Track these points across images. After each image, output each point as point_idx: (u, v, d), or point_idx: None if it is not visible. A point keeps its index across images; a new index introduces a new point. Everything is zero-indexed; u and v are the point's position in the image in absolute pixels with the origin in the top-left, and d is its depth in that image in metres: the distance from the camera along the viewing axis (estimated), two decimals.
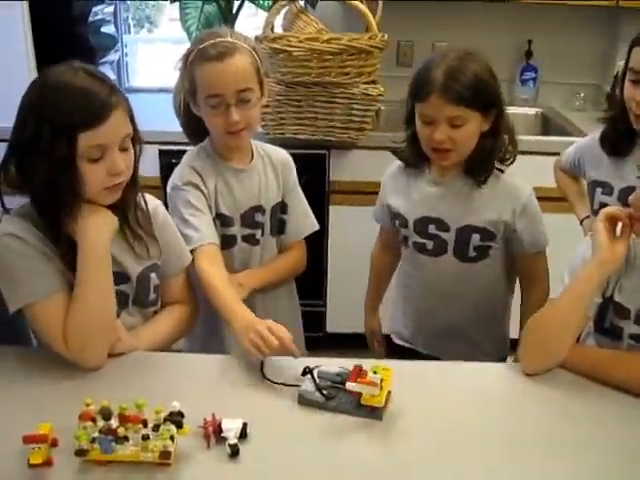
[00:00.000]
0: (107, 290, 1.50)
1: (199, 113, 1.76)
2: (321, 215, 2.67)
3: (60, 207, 1.44)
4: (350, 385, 1.34)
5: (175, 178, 1.83)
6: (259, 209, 1.86)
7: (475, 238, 1.80)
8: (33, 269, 1.45)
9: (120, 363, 1.51)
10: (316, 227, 2.00)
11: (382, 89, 2.67)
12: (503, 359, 1.95)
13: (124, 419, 1.22)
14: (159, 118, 2.86)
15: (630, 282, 1.52)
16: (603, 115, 3.11)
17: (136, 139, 1.51)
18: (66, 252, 1.48)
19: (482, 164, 1.76)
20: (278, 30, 2.78)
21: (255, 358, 1.47)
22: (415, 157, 1.83)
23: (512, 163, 1.80)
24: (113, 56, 3.35)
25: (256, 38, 2.48)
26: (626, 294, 1.53)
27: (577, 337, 1.55)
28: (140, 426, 1.21)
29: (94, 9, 3.12)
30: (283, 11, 2.80)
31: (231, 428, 1.26)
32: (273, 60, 2.58)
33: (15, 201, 1.53)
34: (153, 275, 1.63)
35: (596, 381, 1.48)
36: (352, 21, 2.96)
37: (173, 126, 2.89)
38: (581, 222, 2.22)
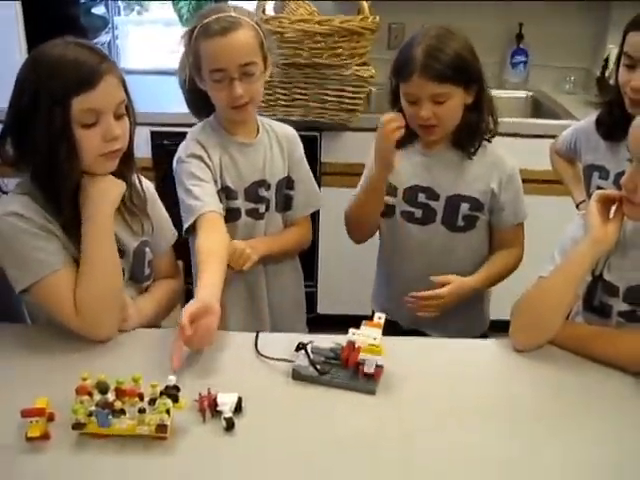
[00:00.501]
0: (115, 260, 1.53)
1: (204, 88, 1.78)
2: None
3: (59, 177, 1.45)
4: (351, 332, 1.37)
5: (180, 151, 1.85)
6: (263, 184, 1.87)
7: (464, 207, 1.84)
8: (39, 246, 1.46)
9: (116, 339, 1.52)
10: (322, 203, 2.02)
11: (374, 71, 2.68)
12: (483, 336, 1.98)
13: (120, 393, 1.23)
14: (151, 100, 2.88)
15: (619, 260, 1.55)
16: (593, 99, 3.18)
17: (130, 109, 1.53)
18: (69, 226, 1.49)
19: (469, 137, 1.81)
20: (270, 12, 2.77)
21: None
22: (403, 134, 1.84)
23: (494, 136, 1.85)
24: (104, 37, 3.34)
25: None
26: (615, 272, 1.55)
27: (567, 314, 1.57)
28: (136, 400, 1.23)
29: None
30: None
31: (226, 402, 1.27)
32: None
33: (9, 185, 1.54)
34: (147, 250, 1.66)
35: (585, 357, 1.51)
36: (343, 4, 2.97)
37: (165, 107, 2.94)
38: (577, 206, 2.24)
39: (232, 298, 1.90)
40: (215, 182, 1.81)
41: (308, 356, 1.41)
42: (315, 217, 2.77)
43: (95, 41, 3.19)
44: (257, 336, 1.52)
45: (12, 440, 1.22)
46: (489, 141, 1.85)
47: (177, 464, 1.19)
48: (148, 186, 1.70)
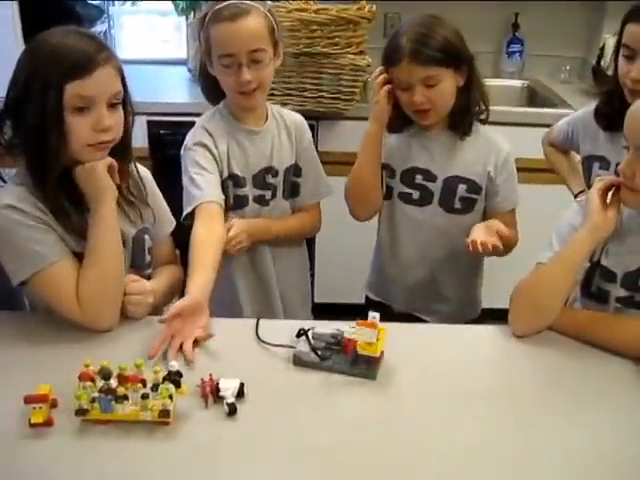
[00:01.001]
0: (120, 251, 1.54)
1: (214, 73, 1.79)
2: None
3: (48, 161, 1.45)
4: (348, 330, 1.38)
5: (188, 139, 1.86)
6: (270, 170, 1.88)
7: (461, 189, 1.86)
8: (36, 238, 1.46)
9: (118, 326, 1.52)
10: (331, 192, 2.02)
11: (370, 60, 2.68)
12: (475, 322, 2.00)
13: (123, 379, 1.24)
14: (147, 89, 2.88)
15: (616, 246, 1.56)
16: (589, 88, 3.19)
17: (127, 102, 1.53)
18: (60, 215, 1.49)
19: (463, 117, 1.84)
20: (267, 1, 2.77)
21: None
22: (399, 120, 1.89)
23: (487, 117, 1.87)
24: (100, 27, 3.32)
25: None
26: (613, 258, 1.56)
27: (566, 300, 1.58)
28: (139, 386, 1.23)
29: None
30: None
31: (228, 387, 1.28)
32: None
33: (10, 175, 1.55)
34: (147, 237, 1.67)
35: (584, 343, 1.52)
36: None
37: (161, 97, 2.94)
38: (575, 197, 2.24)
39: (241, 284, 1.93)
40: (221, 171, 1.82)
41: (309, 342, 1.42)
42: None
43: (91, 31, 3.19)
44: (258, 323, 1.53)
45: (15, 426, 1.22)
46: (483, 122, 1.88)
47: (180, 449, 1.20)
48: (146, 176, 1.71)
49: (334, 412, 1.30)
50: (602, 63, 3.08)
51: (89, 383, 1.23)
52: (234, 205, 1.86)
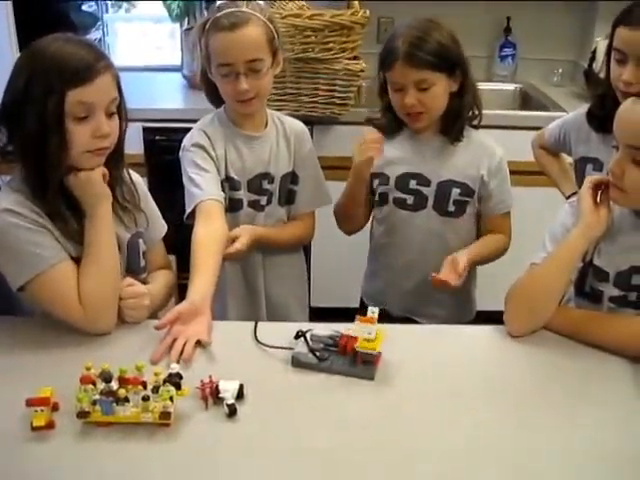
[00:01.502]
0: (117, 255, 1.55)
1: (214, 80, 1.82)
2: None
3: (48, 169, 1.46)
4: (347, 327, 1.40)
5: (186, 141, 1.88)
6: (267, 176, 1.90)
7: (455, 192, 1.89)
8: (35, 241, 1.47)
9: (117, 329, 1.53)
10: (330, 201, 2.03)
11: (364, 65, 2.70)
12: (470, 323, 2.02)
13: (124, 381, 1.26)
14: (142, 96, 2.89)
15: (608, 246, 1.58)
16: (581, 91, 3.21)
17: (122, 108, 1.54)
18: (58, 220, 1.50)
19: (454, 122, 1.86)
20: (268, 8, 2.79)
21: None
22: (391, 124, 1.91)
23: (479, 122, 1.90)
24: (94, 35, 3.34)
25: None
26: (605, 258, 1.58)
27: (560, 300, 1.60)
28: (140, 388, 1.25)
29: None
30: None
31: (228, 389, 1.29)
32: None
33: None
34: (140, 241, 1.68)
35: (579, 341, 1.54)
36: None
37: (157, 103, 2.95)
38: (567, 199, 2.25)
39: (230, 289, 1.94)
40: (218, 172, 1.84)
41: (307, 343, 1.43)
42: None
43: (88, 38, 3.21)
44: (256, 325, 1.54)
45: (18, 429, 1.23)
46: (475, 127, 1.90)
47: (181, 450, 1.21)
48: (139, 181, 1.72)
49: (333, 412, 1.31)
50: (594, 66, 3.10)
51: (90, 386, 1.24)
52: (229, 208, 1.88)
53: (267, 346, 1.48)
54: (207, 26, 1.76)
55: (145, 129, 2.83)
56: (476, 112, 1.89)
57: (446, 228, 1.92)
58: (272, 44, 1.78)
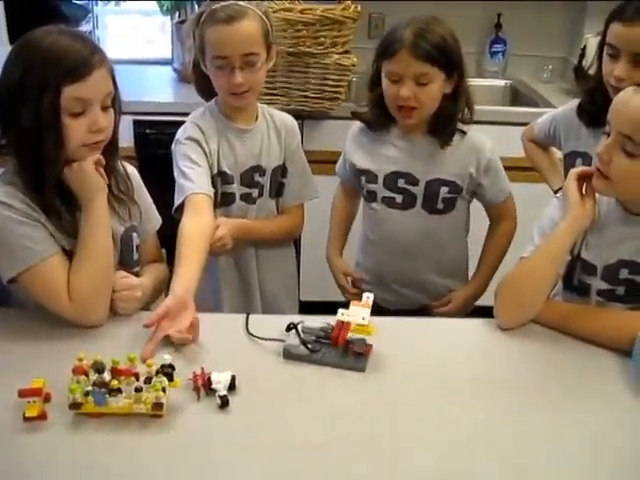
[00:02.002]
0: (111, 247, 1.55)
1: (207, 72, 1.82)
2: None
3: (45, 164, 1.46)
4: (340, 312, 1.41)
5: (179, 134, 1.88)
6: (258, 169, 1.91)
7: (444, 190, 1.89)
8: (27, 234, 1.47)
9: (109, 321, 1.54)
10: (316, 195, 2.05)
11: (355, 59, 2.71)
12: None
13: (117, 372, 1.26)
14: (133, 89, 2.88)
15: (596, 240, 1.59)
16: (570, 87, 3.22)
17: (116, 101, 1.54)
18: (53, 214, 1.50)
19: (445, 126, 1.86)
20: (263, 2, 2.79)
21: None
22: (379, 118, 1.91)
23: (470, 120, 1.90)
24: (84, 27, 3.33)
25: None
26: (592, 251, 1.59)
27: (549, 293, 1.61)
28: (132, 379, 1.25)
29: None
30: None
31: (220, 380, 1.30)
32: None
33: None
34: (134, 235, 1.68)
35: (568, 334, 1.55)
36: None
37: (147, 97, 2.95)
38: (555, 193, 2.26)
39: (224, 283, 1.95)
40: (211, 167, 1.84)
41: (299, 335, 1.44)
42: None
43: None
44: (247, 317, 1.55)
45: (10, 420, 1.24)
46: (464, 132, 1.89)
47: (173, 441, 1.21)
48: (133, 173, 1.72)
49: (324, 403, 1.32)
50: (584, 63, 3.11)
51: (82, 377, 1.25)
52: (221, 202, 1.89)
53: (259, 338, 1.49)
54: (203, 18, 1.76)
55: (136, 122, 2.83)
56: (467, 116, 1.89)
57: (436, 225, 1.93)
58: (267, 38, 1.79)
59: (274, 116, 1.96)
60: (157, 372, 1.26)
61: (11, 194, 1.48)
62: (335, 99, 2.80)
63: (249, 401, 1.31)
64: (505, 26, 3.49)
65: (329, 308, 1.49)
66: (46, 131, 1.43)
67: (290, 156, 1.96)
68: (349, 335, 1.42)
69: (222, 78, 1.78)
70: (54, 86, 1.41)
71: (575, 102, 2.05)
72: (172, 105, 2.91)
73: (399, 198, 1.92)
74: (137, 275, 1.68)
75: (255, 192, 1.92)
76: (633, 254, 1.54)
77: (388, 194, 1.92)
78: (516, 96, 3.46)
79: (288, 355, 1.43)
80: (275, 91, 2.75)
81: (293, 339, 1.44)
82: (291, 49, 2.64)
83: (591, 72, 2.03)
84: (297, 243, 3.08)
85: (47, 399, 1.27)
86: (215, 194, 1.85)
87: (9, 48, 1.51)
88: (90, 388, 1.23)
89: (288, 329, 1.47)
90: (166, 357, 1.28)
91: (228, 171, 1.87)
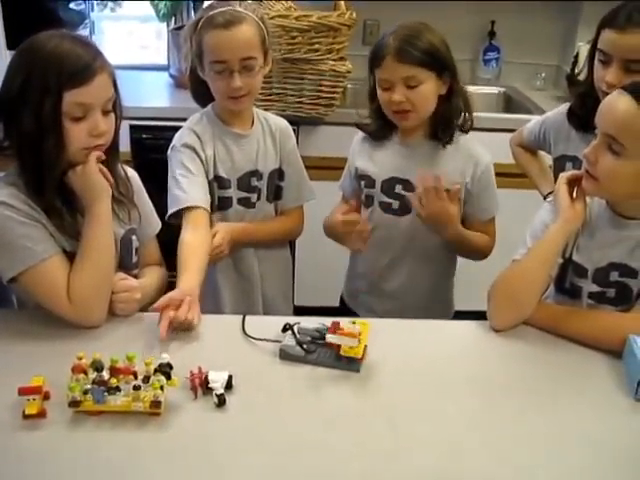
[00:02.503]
0: (113, 249, 1.58)
1: (205, 77, 1.84)
2: None
3: (45, 167, 1.48)
4: (330, 337, 1.41)
5: (175, 140, 1.90)
6: (255, 174, 1.93)
7: None
8: (27, 235, 1.49)
9: (108, 322, 1.55)
10: (313, 197, 2.07)
11: (350, 66, 2.73)
12: None
13: (115, 371, 1.27)
14: (129, 94, 2.88)
15: (587, 242, 1.62)
16: (563, 95, 3.24)
17: (117, 105, 1.56)
18: (54, 215, 1.52)
19: (444, 126, 1.87)
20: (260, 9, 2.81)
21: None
22: (381, 128, 1.93)
23: (469, 128, 1.91)
24: (81, 33, 3.35)
25: None
26: (583, 254, 1.62)
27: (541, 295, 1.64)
28: (131, 377, 1.27)
29: None
30: None
31: (217, 380, 1.32)
32: None
33: None
34: (134, 237, 1.70)
35: (560, 336, 1.57)
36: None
37: (144, 102, 2.97)
38: (545, 197, 2.28)
39: (223, 283, 1.97)
40: (207, 172, 1.86)
41: (295, 336, 1.46)
42: None
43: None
44: (244, 318, 1.57)
45: (10, 417, 1.25)
46: (465, 132, 1.91)
47: (171, 439, 1.23)
48: (134, 176, 1.74)
49: (320, 403, 1.34)
50: (576, 70, 3.14)
51: (82, 375, 1.27)
52: (218, 206, 1.91)
53: (255, 339, 1.51)
54: (201, 24, 1.78)
55: (132, 127, 2.84)
56: (467, 117, 1.89)
57: (428, 231, 1.92)
58: (264, 44, 1.81)
59: (269, 120, 1.98)
60: (155, 371, 1.27)
61: (13, 195, 1.50)
62: (330, 105, 2.82)
63: (246, 400, 1.33)
64: (499, 34, 3.52)
65: (323, 313, 1.52)
66: (47, 135, 1.45)
67: (286, 158, 1.99)
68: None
69: (220, 82, 1.80)
70: (56, 91, 1.43)
71: (565, 106, 2.06)
72: (168, 110, 2.93)
73: (395, 204, 1.93)
74: (136, 277, 1.70)
75: (254, 197, 1.94)
76: (624, 257, 1.56)
77: (385, 199, 1.94)
78: (509, 103, 3.49)
79: (284, 356, 1.45)
80: (271, 97, 2.77)
81: (289, 340, 1.46)
82: (286, 55, 2.66)
83: (581, 77, 2.04)
84: (292, 248, 3.11)
85: (46, 397, 1.29)
86: (212, 199, 1.87)
87: (6, 52, 1.52)
88: (89, 386, 1.25)
89: (284, 330, 1.48)
90: (164, 356, 1.30)
91: (225, 176, 1.89)
